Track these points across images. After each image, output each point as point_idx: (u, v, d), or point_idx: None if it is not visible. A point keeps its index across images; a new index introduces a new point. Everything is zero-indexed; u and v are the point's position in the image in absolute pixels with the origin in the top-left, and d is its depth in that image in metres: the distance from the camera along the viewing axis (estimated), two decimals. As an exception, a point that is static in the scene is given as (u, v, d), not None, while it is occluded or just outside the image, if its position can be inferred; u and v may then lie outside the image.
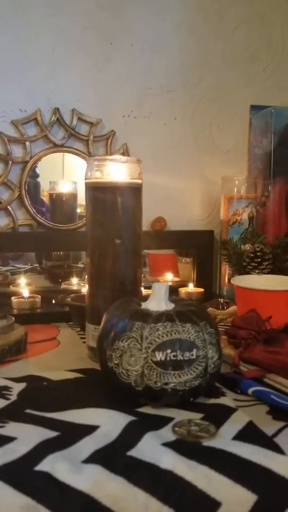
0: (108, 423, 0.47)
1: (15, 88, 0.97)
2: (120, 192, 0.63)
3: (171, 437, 0.44)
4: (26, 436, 0.44)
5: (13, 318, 0.73)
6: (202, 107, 1.07)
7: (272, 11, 1.09)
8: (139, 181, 0.65)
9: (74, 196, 1.02)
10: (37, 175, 1.00)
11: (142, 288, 0.68)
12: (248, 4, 1.08)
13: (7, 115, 0.96)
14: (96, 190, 0.64)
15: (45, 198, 1.02)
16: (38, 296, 0.89)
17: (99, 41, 1.00)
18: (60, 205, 1.02)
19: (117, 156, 0.65)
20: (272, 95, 1.10)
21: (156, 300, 0.54)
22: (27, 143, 0.97)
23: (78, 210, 1.02)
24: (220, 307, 0.90)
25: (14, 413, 0.49)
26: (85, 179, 0.65)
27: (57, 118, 0.98)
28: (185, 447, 0.43)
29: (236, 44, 1.08)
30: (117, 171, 0.63)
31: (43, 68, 0.98)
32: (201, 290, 0.98)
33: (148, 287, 0.61)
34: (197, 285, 1.01)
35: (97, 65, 1.01)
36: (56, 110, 0.98)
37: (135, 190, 0.64)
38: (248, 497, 0.38)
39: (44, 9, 0.96)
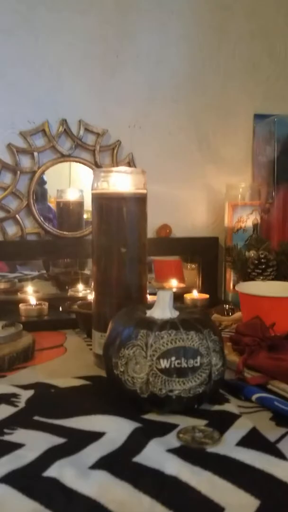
0: (114, 429, 0.48)
1: (23, 100, 0.98)
2: (126, 202, 0.64)
3: (176, 444, 0.45)
4: (34, 443, 0.45)
5: (21, 325, 0.74)
6: (207, 116, 1.08)
7: (273, 22, 1.10)
8: (144, 191, 0.66)
9: (80, 204, 1.04)
10: (44, 184, 1.02)
11: (148, 295, 0.69)
12: (250, 15, 1.09)
13: (16, 126, 0.98)
14: (102, 200, 0.65)
15: (52, 204, 1.03)
16: (46, 303, 0.90)
17: (105, 53, 1.02)
18: (67, 213, 1.04)
19: (123, 168, 0.66)
20: (275, 104, 1.11)
21: (161, 308, 0.55)
22: (35, 154, 0.98)
23: (85, 216, 1.03)
24: (225, 313, 0.91)
25: (22, 420, 0.50)
26: (92, 189, 0.66)
27: (64, 129, 0.99)
28: (189, 453, 0.43)
29: (238, 55, 1.09)
30: (122, 182, 0.65)
31: (51, 80, 0.99)
32: (206, 296, 0.98)
33: (153, 294, 0.62)
34: (202, 291, 1.01)
35: (103, 77, 1.02)
36: (64, 121, 0.99)
37: (140, 200, 0.66)
38: (251, 502, 0.39)
39: (51, 23, 0.98)
